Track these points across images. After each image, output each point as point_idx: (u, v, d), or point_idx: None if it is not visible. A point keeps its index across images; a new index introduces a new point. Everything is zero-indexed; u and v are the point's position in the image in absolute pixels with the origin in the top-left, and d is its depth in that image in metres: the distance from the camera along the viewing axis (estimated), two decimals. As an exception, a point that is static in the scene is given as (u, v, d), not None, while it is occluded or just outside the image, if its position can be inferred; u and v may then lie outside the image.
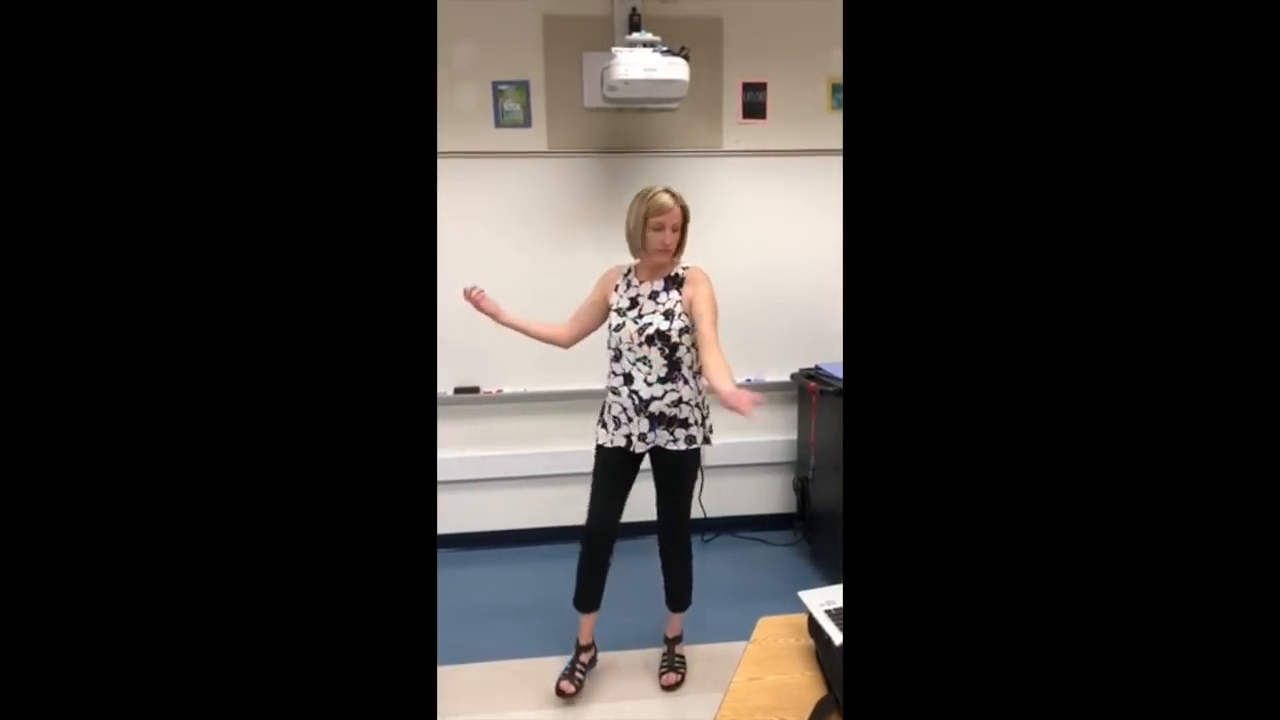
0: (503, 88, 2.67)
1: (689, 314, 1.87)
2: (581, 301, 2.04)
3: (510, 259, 2.74)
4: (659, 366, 1.89)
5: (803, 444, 2.94)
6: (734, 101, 2.78)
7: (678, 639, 2.17)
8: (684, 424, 1.93)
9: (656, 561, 2.12)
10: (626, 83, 2.24)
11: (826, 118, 2.82)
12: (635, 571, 2.69)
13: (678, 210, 1.84)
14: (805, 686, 1.10)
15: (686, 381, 1.92)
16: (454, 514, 2.88)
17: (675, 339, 1.87)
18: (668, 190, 1.84)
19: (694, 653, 2.22)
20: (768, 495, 3.08)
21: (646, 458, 2.02)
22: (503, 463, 2.87)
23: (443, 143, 2.65)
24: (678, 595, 2.12)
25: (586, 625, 2.10)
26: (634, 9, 2.60)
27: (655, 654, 2.20)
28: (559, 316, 2.09)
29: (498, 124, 2.69)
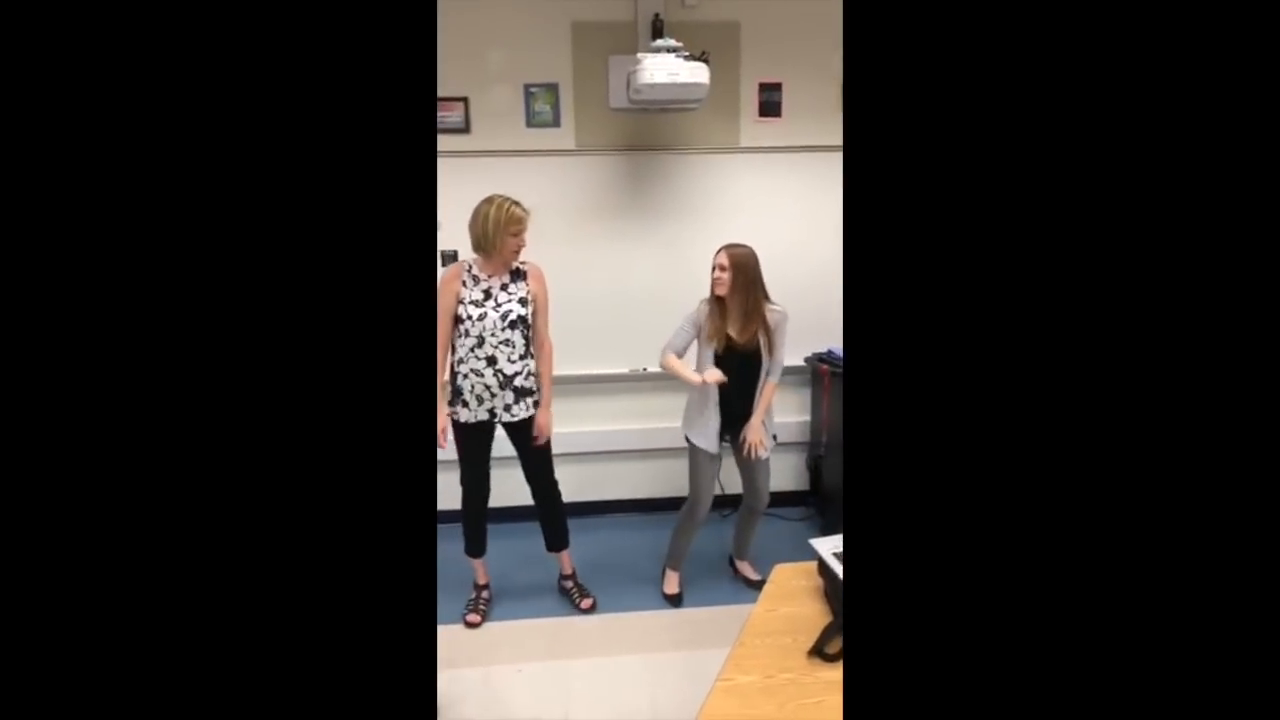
0: (534, 90, 2.84)
1: (534, 303, 2.30)
2: (440, 316, 2.24)
3: (539, 251, 2.92)
4: (520, 346, 2.27)
5: (815, 424, 3.11)
6: (751, 101, 2.94)
7: (575, 572, 2.57)
8: (532, 392, 2.35)
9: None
10: (651, 86, 2.41)
11: (838, 115, 2.97)
12: (628, 544, 2.90)
13: (528, 219, 2.24)
14: (815, 616, 1.28)
15: (533, 356, 2.34)
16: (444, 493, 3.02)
17: (530, 321, 2.29)
18: (517, 203, 2.21)
19: (715, 612, 2.42)
20: (783, 473, 3.25)
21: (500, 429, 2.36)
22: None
23: (478, 142, 2.84)
24: (561, 535, 2.52)
25: (480, 568, 2.51)
26: (657, 15, 2.76)
27: (655, 616, 2.44)
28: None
29: (529, 124, 2.86)
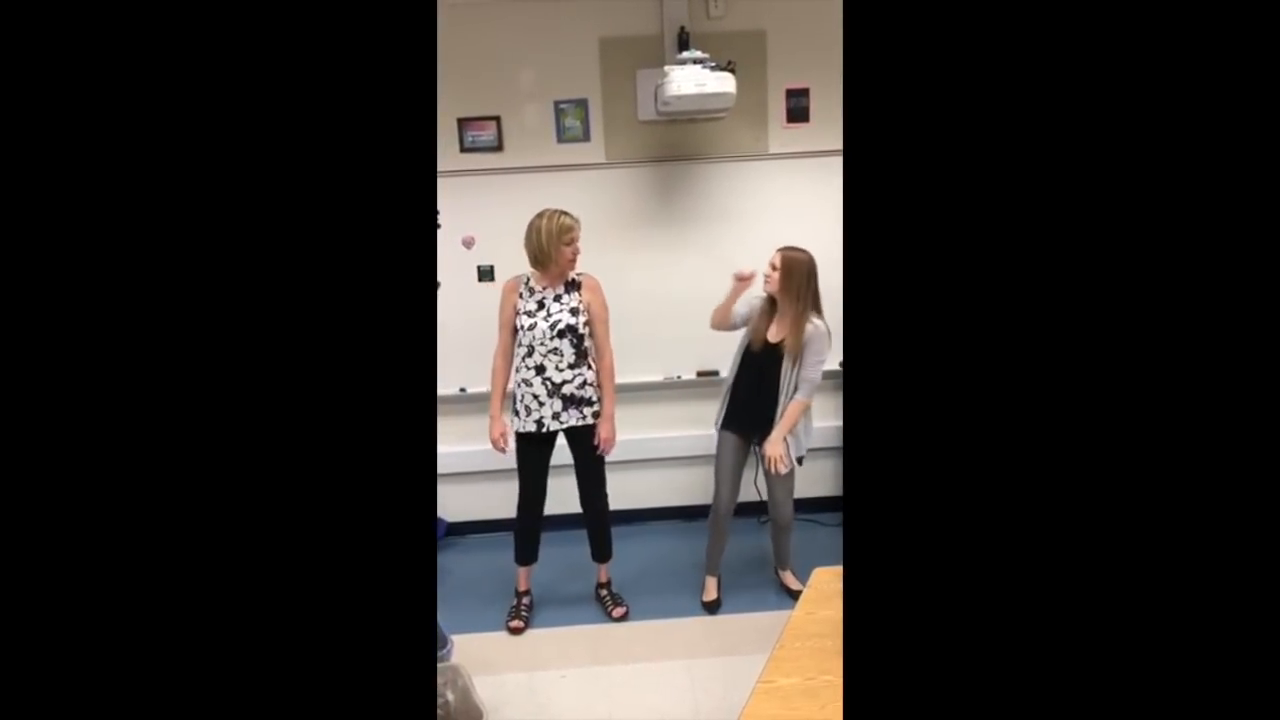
0: (564, 106, 2.90)
1: (589, 313, 2.33)
2: (501, 329, 2.37)
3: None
4: (569, 355, 2.31)
5: (853, 429, 3.08)
6: (779, 107, 2.95)
7: (610, 581, 2.61)
8: (590, 402, 2.37)
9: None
10: (679, 97, 2.44)
11: (868, 118, 2.96)
12: (668, 550, 2.91)
13: (578, 227, 2.28)
14: (854, 620, 1.28)
15: (590, 366, 2.36)
16: (458, 504, 3.08)
17: (581, 330, 2.31)
18: (565, 213, 2.27)
19: (755, 619, 2.42)
20: (822, 479, 3.23)
21: (560, 436, 2.41)
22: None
23: (510, 159, 2.90)
24: (604, 548, 2.56)
25: (523, 575, 2.55)
26: (683, 27, 2.80)
27: (695, 622, 2.46)
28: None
29: (560, 139, 2.92)
